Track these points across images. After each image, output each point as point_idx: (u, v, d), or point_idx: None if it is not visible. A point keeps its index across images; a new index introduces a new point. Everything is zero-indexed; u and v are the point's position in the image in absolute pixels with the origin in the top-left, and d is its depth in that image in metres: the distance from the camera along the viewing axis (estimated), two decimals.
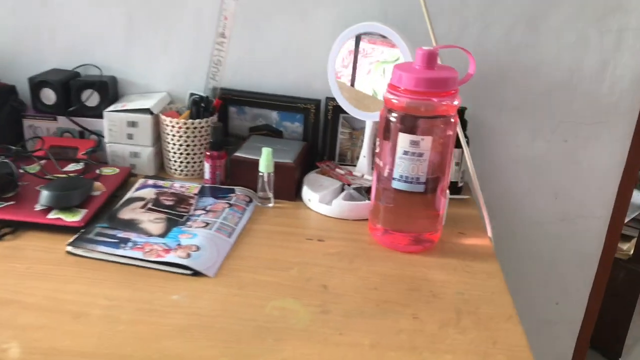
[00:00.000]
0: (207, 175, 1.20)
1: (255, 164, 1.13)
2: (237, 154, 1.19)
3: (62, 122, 1.27)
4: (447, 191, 1.11)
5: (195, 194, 1.15)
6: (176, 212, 1.07)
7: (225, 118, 1.30)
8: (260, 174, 1.13)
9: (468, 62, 0.96)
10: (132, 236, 0.98)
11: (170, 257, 0.93)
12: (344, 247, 1.02)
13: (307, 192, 1.16)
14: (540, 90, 1.26)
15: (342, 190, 1.17)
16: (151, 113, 1.22)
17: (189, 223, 1.04)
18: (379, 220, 1.02)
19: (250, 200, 1.15)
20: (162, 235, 0.99)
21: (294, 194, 1.18)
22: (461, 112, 1.21)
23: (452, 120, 0.96)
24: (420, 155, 0.94)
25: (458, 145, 1.17)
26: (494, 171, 1.32)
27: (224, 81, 1.30)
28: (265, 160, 1.12)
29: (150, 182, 1.19)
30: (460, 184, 1.24)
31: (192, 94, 1.28)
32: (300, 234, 1.06)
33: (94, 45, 1.32)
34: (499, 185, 1.33)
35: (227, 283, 0.90)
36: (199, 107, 1.23)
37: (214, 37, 1.26)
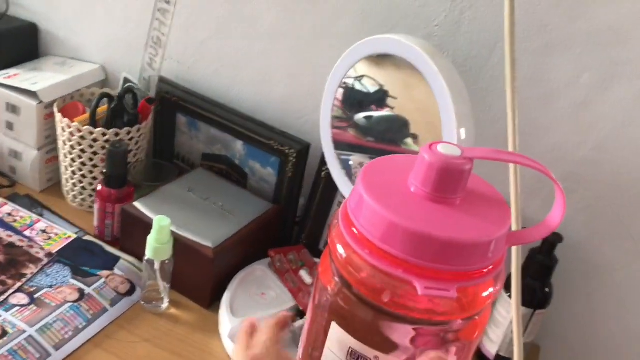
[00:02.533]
0: (95, 221, 0.74)
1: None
2: (138, 202, 0.70)
3: None
4: None
5: (50, 255, 0.69)
6: None
7: (172, 129, 0.81)
8: (145, 259, 0.64)
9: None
10: None
11: None
12: None
13: (223, 311, 0.65)
14: None
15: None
16: (39, 100, 0.76)
17: None
18: None
19: (131, 291, 0.67)
20: None
21: (208, 300, 0.68)
22: (552, 245, 0.62)
23: (474, 323, 0.39)
24: None
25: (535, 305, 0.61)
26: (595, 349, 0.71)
27: (173, 72, 0.79)
28: (155, 241, 0.62)
29: (7, 208, 0.74)
30: None
31: (126, 81, 0.80)
32: None
33: None
34: None
35: None
36: (112, 107, 0.74)
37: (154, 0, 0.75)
